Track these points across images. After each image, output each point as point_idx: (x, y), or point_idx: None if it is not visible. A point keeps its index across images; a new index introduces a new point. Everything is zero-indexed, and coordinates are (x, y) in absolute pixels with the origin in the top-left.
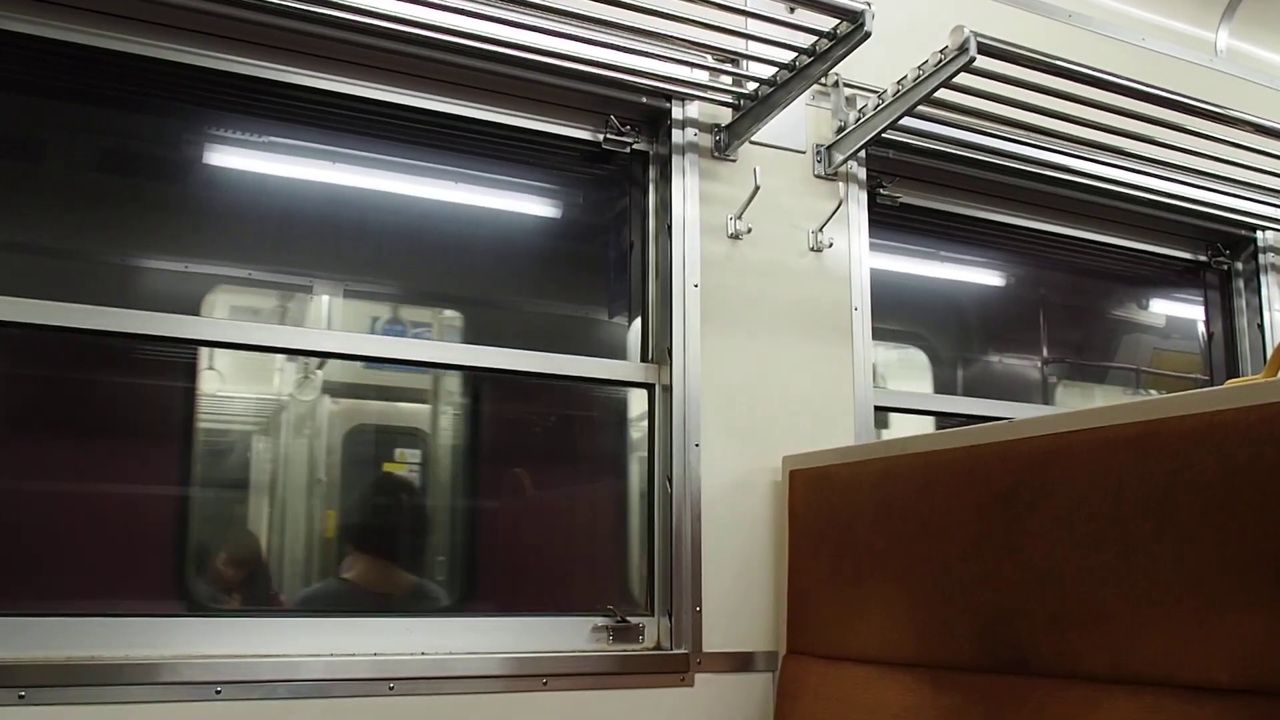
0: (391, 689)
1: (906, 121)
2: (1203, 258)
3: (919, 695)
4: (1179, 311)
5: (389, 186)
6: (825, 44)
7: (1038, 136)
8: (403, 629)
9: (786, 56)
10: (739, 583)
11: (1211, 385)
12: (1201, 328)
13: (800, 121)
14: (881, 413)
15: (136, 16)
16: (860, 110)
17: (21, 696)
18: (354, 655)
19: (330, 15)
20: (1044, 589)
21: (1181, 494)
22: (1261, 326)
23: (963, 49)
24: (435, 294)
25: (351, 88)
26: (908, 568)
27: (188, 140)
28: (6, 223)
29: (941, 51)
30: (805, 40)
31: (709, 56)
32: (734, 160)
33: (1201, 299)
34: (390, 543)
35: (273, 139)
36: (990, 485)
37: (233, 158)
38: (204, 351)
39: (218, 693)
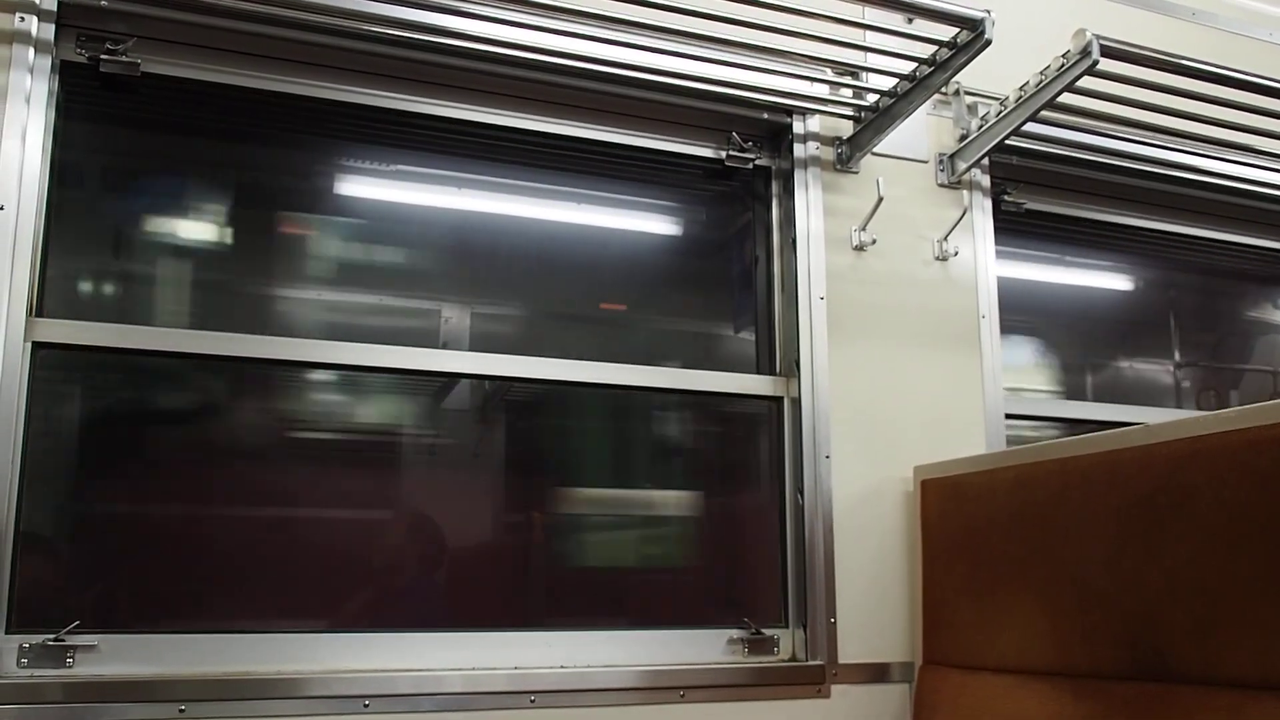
0: (533, 701)
1: (1029, 127)
2: None
3: (1059, 704)
4: None
5: (515, 210)
6: (945, 53)
7: (1164, 137)
8: (542, 642)
9: (906, 67)
10: (873, 593)
11: None
12: None
13: (922, 131)
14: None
15: (267, 54)
16: (982, 118)
17: (181, 710)
18: (495, 669)
19: (455, 45)
20: (1188, 594)
21: None
22: None
23: (1085, 52)
24: (562, 314)
25: (477, 114)
26: (1045, 576)
27: (318, 172)
28: (146, 256)
29: (1064, 55)
30: (924, 50)
31: (829, 70)
32: (856, 172)
33: None
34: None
35: (400, 167)
36: (1129, 491)
37: (362, 187)
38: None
39: (365, 706)
